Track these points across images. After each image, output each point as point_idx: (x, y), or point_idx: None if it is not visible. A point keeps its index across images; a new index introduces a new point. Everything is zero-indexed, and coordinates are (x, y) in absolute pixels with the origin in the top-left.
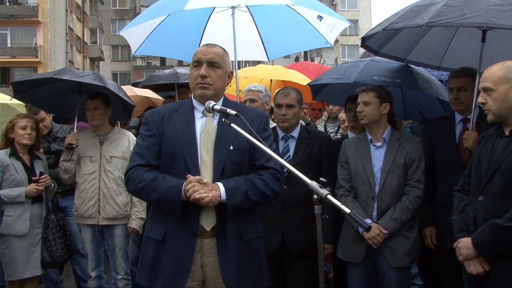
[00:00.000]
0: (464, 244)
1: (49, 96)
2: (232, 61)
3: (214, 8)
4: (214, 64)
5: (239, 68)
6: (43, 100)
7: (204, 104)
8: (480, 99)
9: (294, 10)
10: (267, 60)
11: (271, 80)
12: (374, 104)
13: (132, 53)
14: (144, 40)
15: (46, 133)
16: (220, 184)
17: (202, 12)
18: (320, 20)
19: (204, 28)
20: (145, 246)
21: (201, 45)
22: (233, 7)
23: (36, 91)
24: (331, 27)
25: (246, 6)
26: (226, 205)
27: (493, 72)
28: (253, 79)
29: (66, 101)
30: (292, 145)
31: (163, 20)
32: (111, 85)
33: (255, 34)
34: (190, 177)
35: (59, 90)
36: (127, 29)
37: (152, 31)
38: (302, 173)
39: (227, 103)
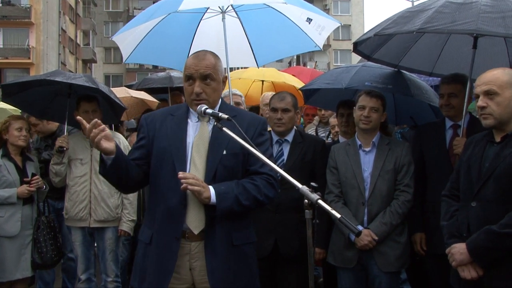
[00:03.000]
0: (458, 250)
1: (36, 100)
2: (224, 68)
3: (203, 15)
4: (208, 77)
5: (231, 71)
6: (30, 104)
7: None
8: (480, 103)
9: (283, 14)
10: (256, 66)
11: (262, 82)
12: (380, 112)
13: (123, 61)
14: (135, 48)
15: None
16: (211, 187)
17: (191, 19)
18: (309, 23)
19: (194, 35)
20: (137, 248)
21: (190, 53)
22: (223, 12)
23: (24, 94)
24: (320, 29)
25: (235, 11)
26: (215, 208)
27: (498, 76)
28: (247, 81)
29: (53, 105)
30: (286, 149)
31: (153, 28)
32: (103, 87)
33: (244, 40)
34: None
35: (47, 94)
36: (120, 34)
37: (143, 38)
38: (295, 177)
39: (224, 107)
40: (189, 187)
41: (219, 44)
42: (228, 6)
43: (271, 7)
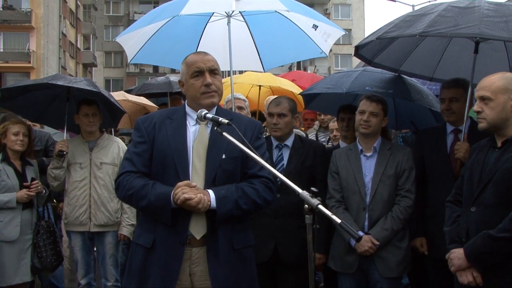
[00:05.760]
0: (456, 255)
1: (34, 104)
2: (228, 71)
3: (210, 17)
4: (215, 71)
5: (229, 76)
6: (28, 108)
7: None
8: (476, 107)
9: (289, 19)
10: (262, 70)
11: (259, 87)
12: (380, 116)
13: (128, 61)
14: (140, 49)
15: None
16: (210, 191)
17: (198, 21)
18: (315, 30)
19: (200, 38)
20: (134, 253)
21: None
22: (228, 16)
23: (22, 98)
24: (326, 36)
25: (242, 15)
26: (215, 213)
27: (493, 81)
28: (242, 85)
29: (50, 109)
30: (286, 154)
31: (159, 29)
32: (103, 91)
33: (250, 44)
34: (179, 183)
35: (45, 98)
36: (123, 35)
37: (148, 39)
38: (295, 182)
39: (220, 111)
40: (186, 202)
41: (225, 47)
42: (234, 10)
43: (278, 12)
